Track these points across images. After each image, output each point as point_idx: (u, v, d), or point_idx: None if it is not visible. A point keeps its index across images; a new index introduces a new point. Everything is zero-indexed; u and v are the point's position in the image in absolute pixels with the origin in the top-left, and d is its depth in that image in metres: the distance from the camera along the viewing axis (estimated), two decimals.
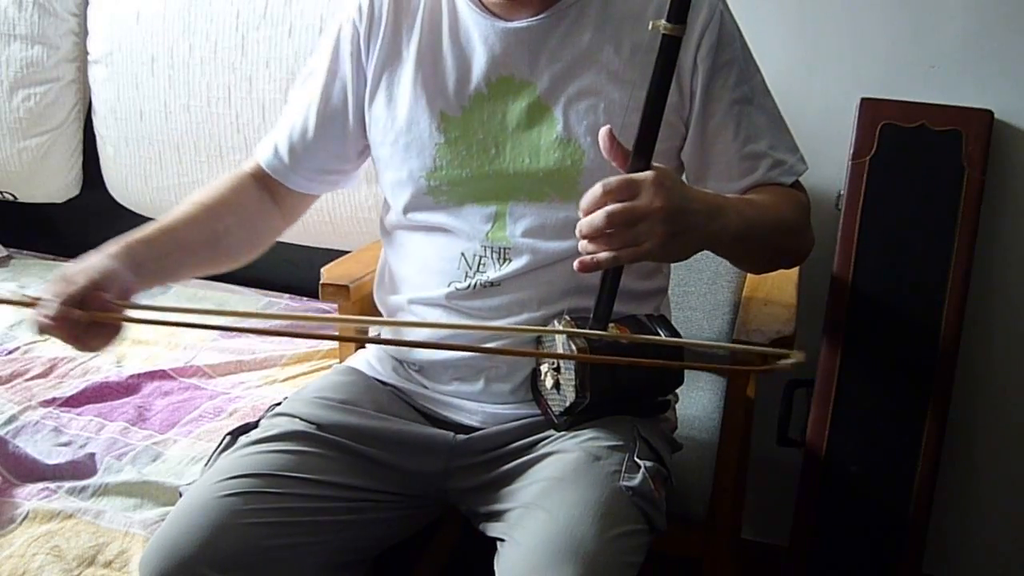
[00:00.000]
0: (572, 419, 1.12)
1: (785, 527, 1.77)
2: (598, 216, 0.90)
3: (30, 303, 0.97)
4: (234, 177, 1.27)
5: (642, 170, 0.93)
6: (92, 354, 1.63)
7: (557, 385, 1.10)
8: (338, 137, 1.25)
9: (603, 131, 0.93)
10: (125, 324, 0.99)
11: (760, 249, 1.13)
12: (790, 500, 1.76)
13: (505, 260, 1.15)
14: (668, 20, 0.92)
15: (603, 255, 0.91)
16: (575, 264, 0.93)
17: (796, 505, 1.75)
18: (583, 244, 0.93)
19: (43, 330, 0.96)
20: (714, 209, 0.98)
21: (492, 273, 1.15)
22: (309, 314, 1.01)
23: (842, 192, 1.68)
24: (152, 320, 1.03)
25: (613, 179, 0.91)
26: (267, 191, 1.28)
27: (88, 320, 0.95)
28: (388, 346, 1.28)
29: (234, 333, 1.75)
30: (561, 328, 1.09)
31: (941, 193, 1.63)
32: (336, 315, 1.42)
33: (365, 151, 1.28)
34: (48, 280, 0.99)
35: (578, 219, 0.93)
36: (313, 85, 1.25)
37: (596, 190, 0.91)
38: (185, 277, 1.20)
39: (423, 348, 1.19)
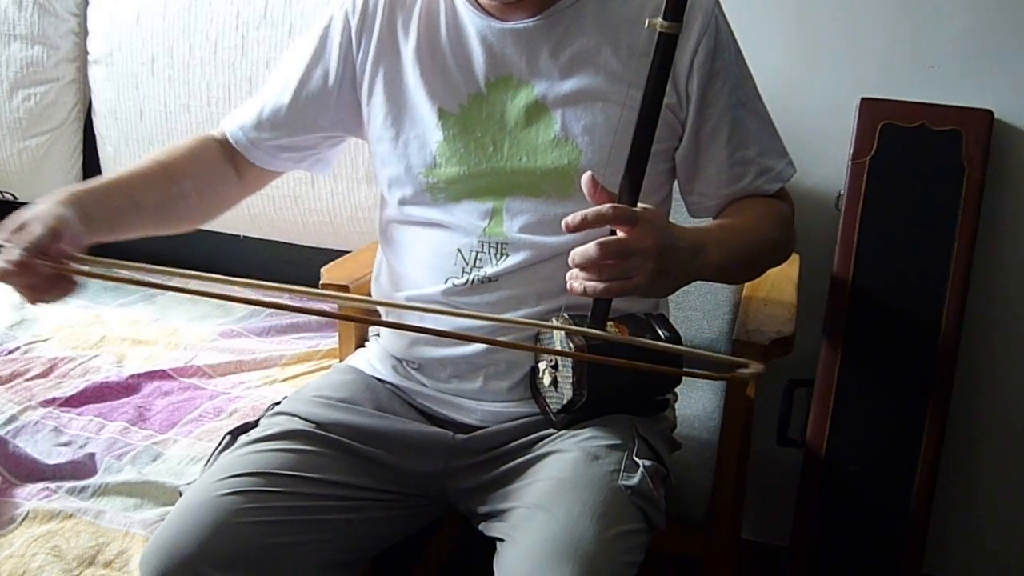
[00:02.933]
0: (570, 417, 1.12)
1: (785, 527, 1.77)
2: (591, 246, 0.93)
3: None
4: (198, 141, 1.26)
5: (636, 183, 0.96)
6: (91, 352, 1.63)
7: (555, 383, 1.11)
8: (309, 120, 1.25)
9: (585, 177, 0.96)
10: (80, 278, 0.96)
11: (741, 272, 1.20)
12: (790, 500, 1.76)
13: (502, 255, 1.15)
14: (664, 18, 0.93)
15: (592, 285, 0.94)
16: (570, 289, 0.95)
17: (796, 505, 1.75)
18: (573, 272, 0.95)
19: (1, 276, 0.94)
20: (697, 246, 1.01)
21: (489, 269, 1.15)
22: (303, 288, 0.97)
23: (842, 192, 1.68)
24: (123, 279, 0.96)
25: (606, 206, 0.93)
26: (230, 161, 1.28)
27: (49, 272, 0.93)
28: (387, 343, 1.28)
29: (235, 333, 1.75)
30: (560, 325, 1.09)
31: (941, 193, 1.63)
32: (335, 293, 1.39)
33: (337, 139, 1.29)
34: None
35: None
36: (293, 67, 1.25)
37: (588, 212, 0.93)
38: (132, 235, 1.16)
39: (424, 333, 1.16)
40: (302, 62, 1.24)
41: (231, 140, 1.28)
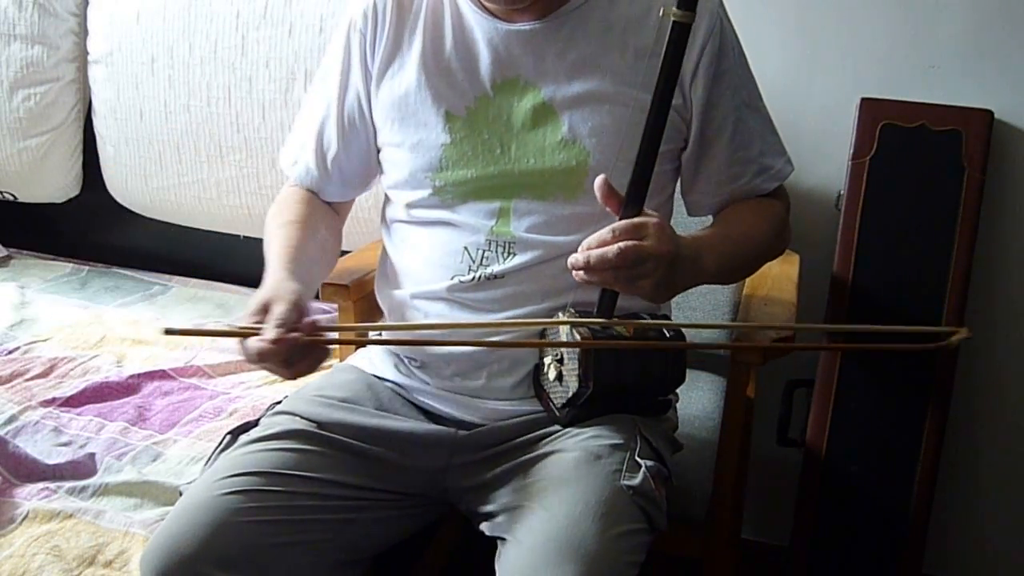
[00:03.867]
0: (574, 412, 1.12)
1: (785, 527, 1.77)
2: (611, 250, 0.95)
3: (247, 332, 0.97)
4: (294, 194, 1.30)
5: (646, 176, 0.98)
6: (91, 352, 1.63)
7: (560, 377, 1.11)
8: (360, 146, 1.27)
9: (599, 180, 0.99)
10: (331, 347, 1.01)
11: (735, 275, 1.25)
12: (790, 500, 1.76)
13: (510, 254, 1.16)
14: (679, 7, 0.94)
15: (599, 278, 0.97)
16: (575, 275, 0.97)
17: (796, 505, 1.75)
18: (580, 274, 0.97)
19: (260, 357, 0.97)
20: (695, 255, 1.04)
21: (496, 267, 1.16)
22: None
23: (842, 192, 1.69)
24: (369, 341, 1.09)
25: (621, 222, 0.97)
26: (320, 200, 1.32)
27: (304, 344, 0.97)
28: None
29: None
30: (565, 319, 1.09)
31: (941, 193, 1.63)
32: (337, 325, 1.43)
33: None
34: (240, 306, 1.00)
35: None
36: (327, 99, 1.27)
37: (605, 233, 0.96)
38: (315, 290, 1.24)
39: (425, 345, 1.19)
40: (332, 94, 1.26)
41: (304, 186, 1.31)
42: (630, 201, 0.99)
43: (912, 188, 1.64)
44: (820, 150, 1.73)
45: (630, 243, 0.95)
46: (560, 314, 1.12)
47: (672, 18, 0.95)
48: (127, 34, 1.92)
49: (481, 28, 1.17)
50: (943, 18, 1.64)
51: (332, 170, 1.29)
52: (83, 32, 2.01)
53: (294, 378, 1.01)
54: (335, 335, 0.99)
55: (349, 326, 1.01)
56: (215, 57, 1.86)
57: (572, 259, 0.98)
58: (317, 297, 1.47)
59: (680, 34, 0.96)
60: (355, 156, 1.28)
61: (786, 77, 1.73)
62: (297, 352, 0.97)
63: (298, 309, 0.99)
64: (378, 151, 1.27)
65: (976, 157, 1.61)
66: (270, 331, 0.96)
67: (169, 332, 0.96)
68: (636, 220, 0.97)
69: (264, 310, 0.99)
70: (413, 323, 1.21)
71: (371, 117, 1.24)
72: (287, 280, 1.07)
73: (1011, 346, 1.75)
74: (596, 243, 0.97)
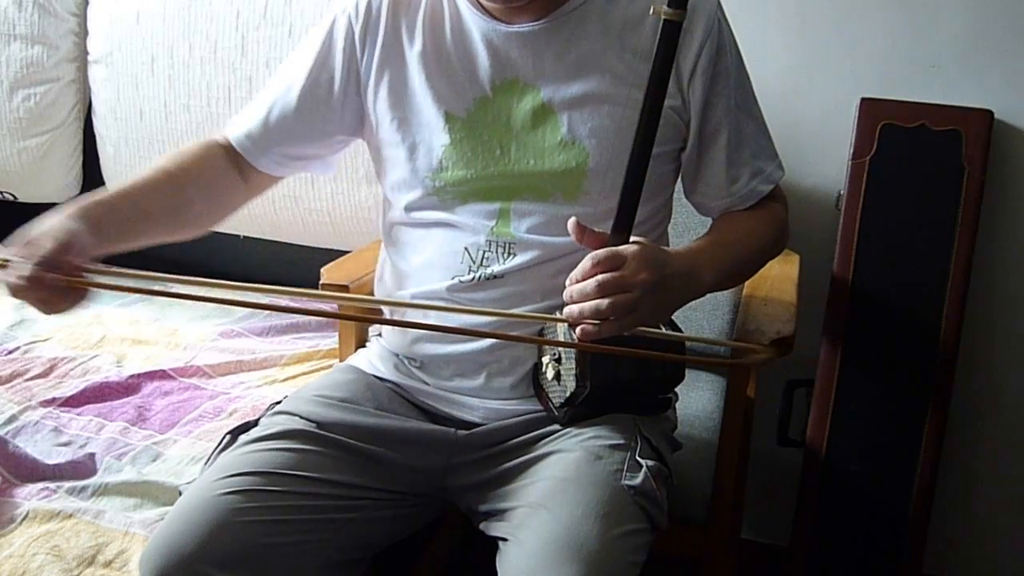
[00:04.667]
0: (573, 411, 1.12)
1: (785, 527, 1.77)
2: (590, 284, 0.95)
3: (0, 264, 0.96)
4: (203, 147, 1.25)
5: (639, 178, 0.98)
6: (91, 352, 1.63)
7: (558, 376, 1.11)
8: (316, 125, 1.24)
9: (571, 223, 0.99)
10: (92, 289, 0.99)
11: (735, 280, 1.25)
12: (790, 500, 1.76)
13: (510, 254, 1.16)
14: (669, 5, 0.94)
15: (591, 326, 0.96)
16: (578, 331, 0.97)
17: (796, 505, 1.75)
18: (571, 308, 0.97)
19: (15, 291, 0.96)
20: (690, 270, 1.04)
21: (496, 267, 1.16)
22: (306, 289, 1.01)
23: (842, 192, 1.69)
24: (123, 287, 1.02)
25: (601, 251, 0.97)
26: (235, 166, 1.27)
27: (61, 284, 0.95)
28: (389, 341, 1.28)
29: (235, 333, 1.75)
30: (562, 317, 1.09)
31: (941, 193, 1.63)
32: (338, 294, 1.41)
33: (342, 142, 1.28)
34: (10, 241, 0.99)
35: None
36: (297, 71, 1.24)
37: (585, 263, 0.96)
38: (142, 244, 1.18)
39: (427, 330, 1.17)
40: (305, 68, 1.23)
41: (237, 147, 1.26)
42: (623, 204, 0.99)
43: (912, 188, 1.64)
44: (820, 150, 1.73)
45: (608, 275, 0.95)
46: (558, 313, 1.12)
47: (663, 16, 0.95)
48: (127, 34, 1.92)
49: (480, 29, 1.17)
50: (943, 18, 1.64)
51: (275, 139, 1.25)
52: (83, 32, 2.01)
53: (50, 314, 1.00)
54: (105, 280, 0.98)
55: (111, 270, 0.98)
56: (215, 57, 1.86)
57: (567, 311, 0.98)
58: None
59: (671, 32, 0.95)
60: (306, 133, 1.24)
61: (786, 77, 1.73)
62: (51, 292, 0.96)
63: (63, 248, 0.97)
64: (340, 139, 1.26)
65: (976, 157, 1.61)
66: (25, 267, 0.95)
67: None
68: (615, 249, 0.97)
69: (29, 244, 0.98)
70: (404, 301, 1.21)
71: (339, 104, 1.22)
72: (68, 219, 1.03)
73: (1011, 346, 1.75)
74: (579, 276, 0.97)
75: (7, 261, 0.96)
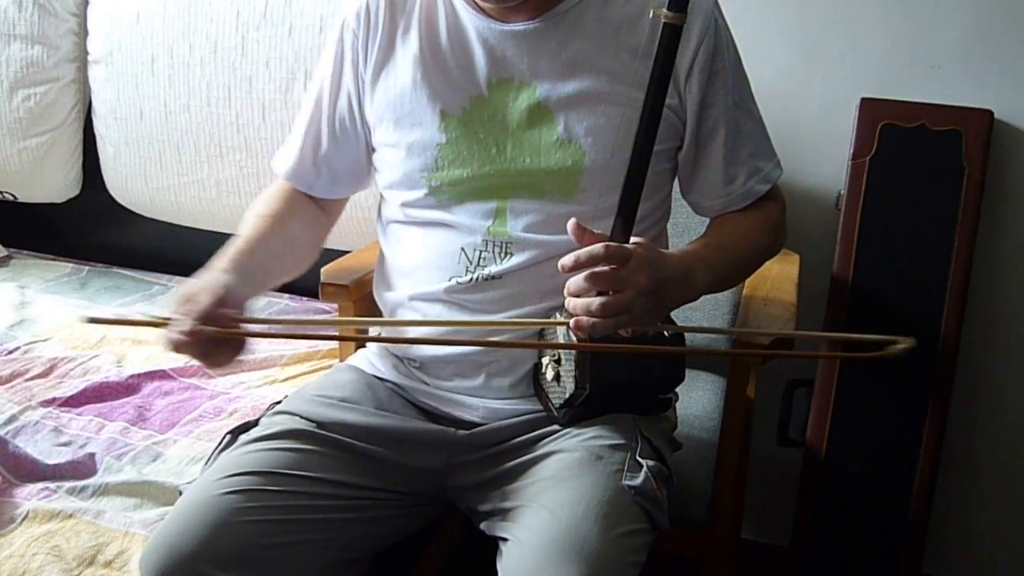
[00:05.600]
0: (572, 412, 1.12)
1: (785, 527, 1.78)
2: (582, 276, 0.96)
3: (161, 323, 0.99)
4: (276, 190, 1.30)
5: (639, 180, 0.98)
6: (91, 352, 1.63)
7: (557, 377, 1.11)
8: (351, 147, 1.27)
9: (571, 224, 0.98)
10: (250, 339, 1.02)
11: (731, 281, 1.23)
12: (790, 500, 1.76)
13: (507, 254, 1.15)
14: (669, 8, 0.94)
15: (600, 322, 0.95)
16: (572, 322, 0.97)
17: (796, 505, 1.75)
18: (570, 300, 0.97)
19: (176, 348, 0.99)
20: (685, 272, 1.04)
21: (494, 267, 1.16)
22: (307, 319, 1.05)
23: (842, 192, 1.69)
24: (279, 334, 1.10)
25: (613, 243, 0.96)
26: (308, 198, 1.32)
27: (219, 336, 0.98)
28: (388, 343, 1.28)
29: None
30: (562, 319, 1.09)
31: (941, 193, 1.63)
32: (338, 318, 1.43)
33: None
34: (169, 296, 1.02)
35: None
36: (321, 100, 1.27)
37: (596, 247, 0.95)
38: (274, 286, 1.24)
39: (424, 344, 1.19)
40: (326, 94, 1.26)
41: (292, 183, 1.31)
42: (624, 204, 0.99)
43: (912, 188, 1.64)
44: (820, 150, 1.73)
45: (603, 269, 0.95)
46: (557, 314, 1.12)
47: (663, 20, 0.94)
48: (127, 34, 1.92)
49: (475, 27, 1.17)
50: (943, 18, 1.64)
51: (321, 167, 1.29)
52: (83, 32, 2.01)
53: (214, 368, 1.03)
54: (260, 328, 1.01)
55: (338, 320, 1.02)
56: (215, 57, 1.86)
57: (565, 289, 0.98)
58: (316, 296, 1.48)
59: (671, 36, 0.95)
60: (346, 155, 1.28)
61: (786, 77, 1.73)
62: (213, 344, 0.99)
63: (219, 301, 1.00)
64: (373, 151, 1.27)
65: (976, 157, 1.61)
66: (185, 323, 0.97)
67: (92, 321, 1.00)
68: (624, 245, 0.97)
69: (187, 301, 1.00)
70: (407, 320, 1.22)
71: (361, 119, 1.24)
72: (220, 273, 1.07)
73: (1011, 346, 1.75)
74: (584, 257, 0.96)
75: (167, 319, 0.99)
